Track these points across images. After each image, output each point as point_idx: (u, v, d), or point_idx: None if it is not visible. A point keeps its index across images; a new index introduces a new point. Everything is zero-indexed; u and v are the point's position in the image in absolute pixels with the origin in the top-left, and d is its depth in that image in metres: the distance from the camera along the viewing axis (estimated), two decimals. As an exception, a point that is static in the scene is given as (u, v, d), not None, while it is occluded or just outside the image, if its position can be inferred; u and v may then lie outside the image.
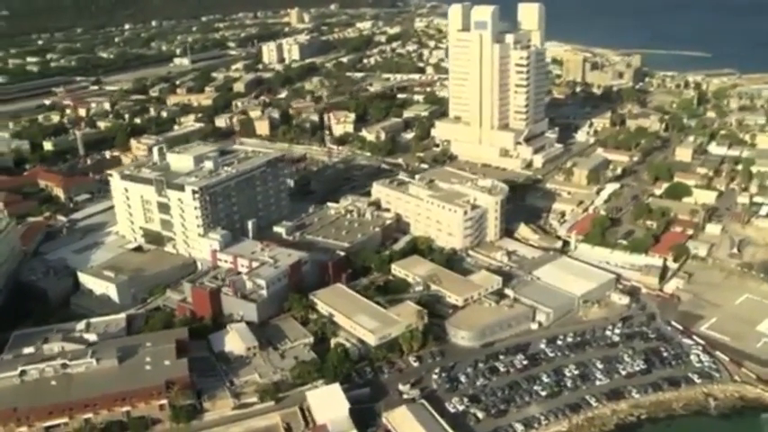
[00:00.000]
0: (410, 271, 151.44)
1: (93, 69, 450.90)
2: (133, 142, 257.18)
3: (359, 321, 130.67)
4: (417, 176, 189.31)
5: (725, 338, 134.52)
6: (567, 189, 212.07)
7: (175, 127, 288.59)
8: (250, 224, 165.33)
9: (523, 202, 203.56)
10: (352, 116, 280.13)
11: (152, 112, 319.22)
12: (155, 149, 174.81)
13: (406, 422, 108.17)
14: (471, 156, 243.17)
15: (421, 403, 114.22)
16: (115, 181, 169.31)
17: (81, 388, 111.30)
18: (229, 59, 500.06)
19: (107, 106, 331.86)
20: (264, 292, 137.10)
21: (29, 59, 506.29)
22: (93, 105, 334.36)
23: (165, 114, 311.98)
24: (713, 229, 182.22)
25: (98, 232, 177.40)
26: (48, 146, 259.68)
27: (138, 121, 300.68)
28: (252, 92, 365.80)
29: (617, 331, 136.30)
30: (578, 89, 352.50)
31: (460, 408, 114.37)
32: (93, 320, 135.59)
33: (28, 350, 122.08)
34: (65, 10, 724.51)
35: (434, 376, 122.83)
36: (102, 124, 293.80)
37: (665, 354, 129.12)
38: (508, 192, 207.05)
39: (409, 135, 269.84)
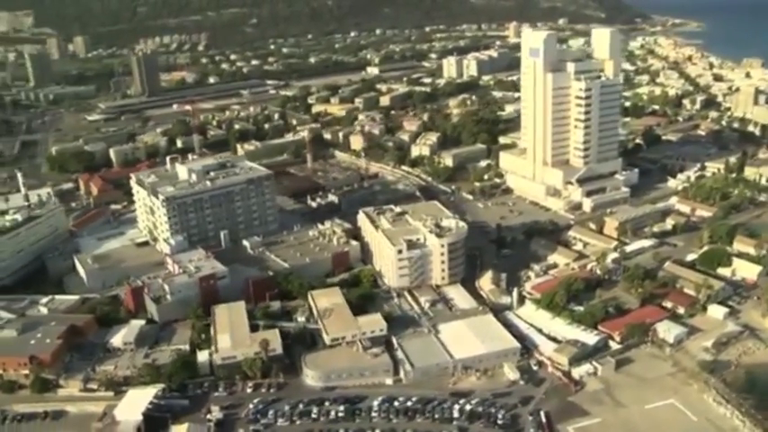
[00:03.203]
0: (317, 302, 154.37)
1: (289, 74, 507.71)
2: (238, 146, 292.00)
3: (219, 339, 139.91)
4: (395, 208, 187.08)
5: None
6: (586, 240, 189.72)
7: (287, 135, 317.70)
8: (222, 235, 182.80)
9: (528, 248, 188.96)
10: (434, 138, 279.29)
11: (288, 119, 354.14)
12: (168, 159, 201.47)
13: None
14: (523, 191, 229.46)
15: (207, 425, 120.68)
16: (133, 183, 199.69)
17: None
18: (411, 71, 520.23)
19: (259, 110, 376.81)
20: (169, 297, 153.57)
21: (252, 62, 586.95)
22: (230, 111, 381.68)
23: (294, 122, 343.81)
24: (716, 311, 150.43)
25: (129, 225, 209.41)
26: (179, 143, 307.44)
27: (266, 126, 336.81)
28: (397, 106, 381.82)
29: (467, 407, 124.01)
30: (735, 126, 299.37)
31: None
32: (57, 297, 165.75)
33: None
34: (303, 17, 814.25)
35: (250, 406, 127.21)
36: (237, 126, 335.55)
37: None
38: (523, 235, 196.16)
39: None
